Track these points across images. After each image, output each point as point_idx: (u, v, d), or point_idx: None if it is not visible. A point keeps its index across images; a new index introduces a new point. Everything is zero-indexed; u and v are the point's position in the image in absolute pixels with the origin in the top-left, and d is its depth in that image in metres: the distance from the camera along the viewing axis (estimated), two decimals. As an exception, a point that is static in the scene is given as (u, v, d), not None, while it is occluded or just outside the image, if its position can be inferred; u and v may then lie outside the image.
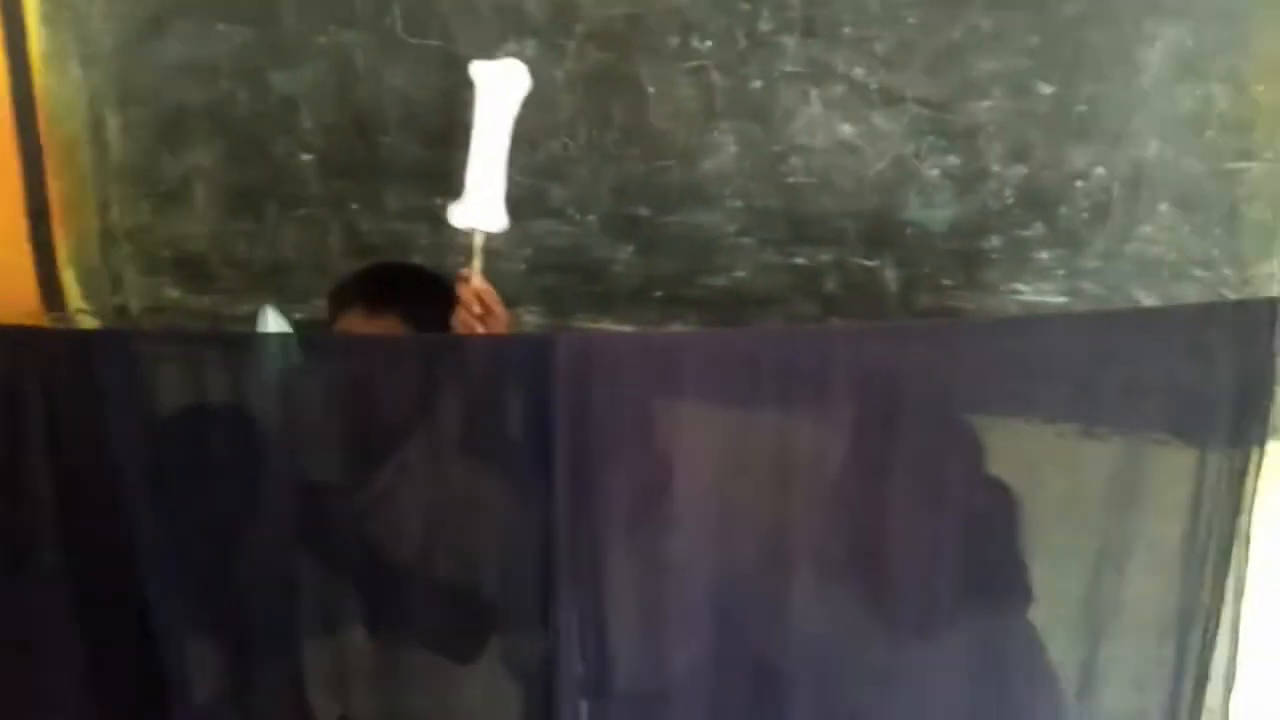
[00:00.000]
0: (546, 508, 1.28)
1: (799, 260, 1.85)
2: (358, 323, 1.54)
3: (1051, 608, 1.34)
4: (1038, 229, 1.74)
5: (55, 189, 2.19)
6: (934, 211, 1.78)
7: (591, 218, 1.93)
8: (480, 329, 1.45)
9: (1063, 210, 1.72)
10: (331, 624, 1.41)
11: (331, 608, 1.40)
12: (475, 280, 1.45)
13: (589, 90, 1.87)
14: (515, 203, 1.93)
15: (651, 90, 1.84)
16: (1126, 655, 1.32)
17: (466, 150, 1.95)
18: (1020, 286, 1.77)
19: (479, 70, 1.42)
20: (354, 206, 2.04)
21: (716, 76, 1.80)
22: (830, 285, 1.85)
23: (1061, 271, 1.75)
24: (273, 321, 1.32)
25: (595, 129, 1.89)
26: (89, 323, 2.22)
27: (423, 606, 1.37)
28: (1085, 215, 1.71)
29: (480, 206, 1.41)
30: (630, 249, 1.93)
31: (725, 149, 1.83)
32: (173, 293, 2.18)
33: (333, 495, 1.37)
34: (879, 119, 1.76)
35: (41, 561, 1.35)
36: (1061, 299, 1.76)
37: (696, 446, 1.30)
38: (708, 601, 1.35)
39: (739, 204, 1.85)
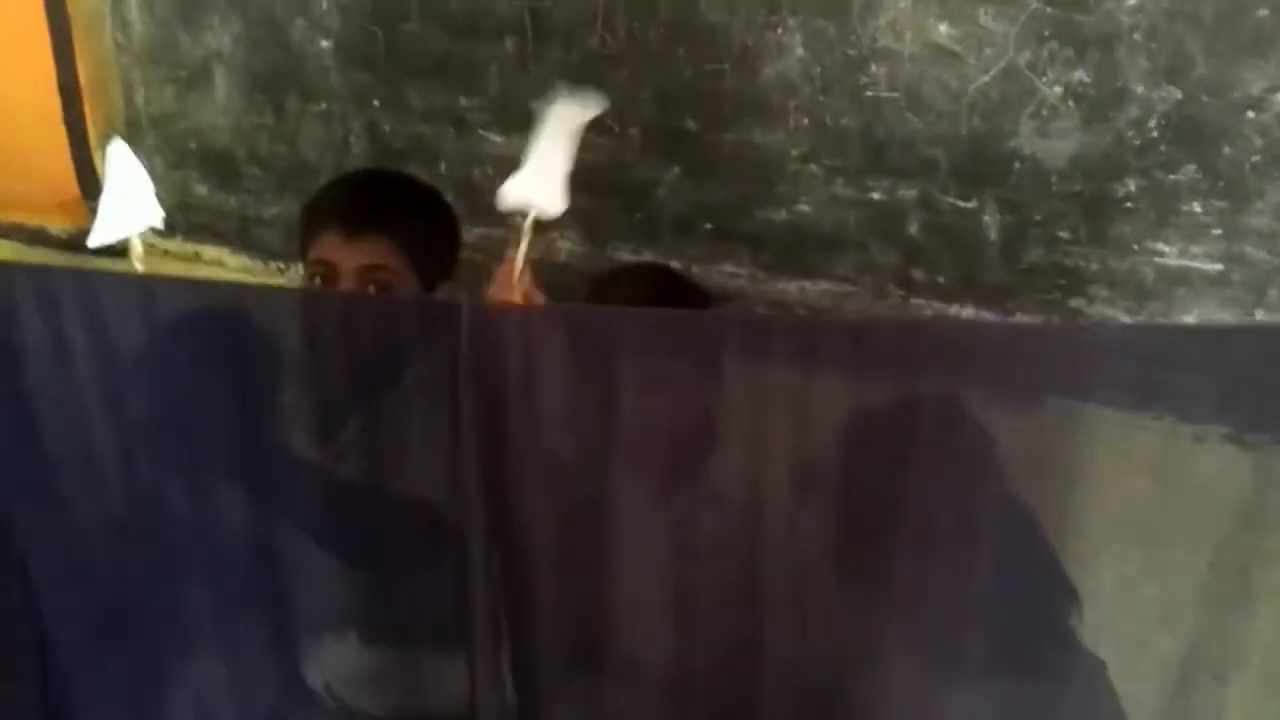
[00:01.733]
0: (460, 523, 1.02)
1: (876, 195, 1.49)
2: (337, 244, 1.29)
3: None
4: (1189, 172, 1.32)
5: (83, 68, 2.03)
6: (1052, 142, 1.38)
7: (632, 130, 1.62)
8: None
9: (1226, 150, 1.29)
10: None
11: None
12: (517, 273, 1.10)
13: (630, -29, 1.54)
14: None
15: (703, -27, 1.49)
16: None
17: (494, 42, 1.67)
18: (1162, 247, 1.36)
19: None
20: (375, 104, 1.79)
21: (783, -42, 1.44)
22: (914, 228, 1.48)
23: (1218, 230, 1.32)
24: (121, 159, 1.07)
25: (637, 22, 1.56)
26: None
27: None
28: (1256, 158, 1.28)
29: (537, 182, 1.06)
30: (676, 170, 1.61)
31: (791, 51, 1.48)
32: (200, 189, 1.99)
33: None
34: (986, 17, 1.36)
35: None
36: (1215, 266, 1.34)
37: (634, 445, 1.00)
38: (658, 636, 1.08)
39: (805, 121, 1.50)
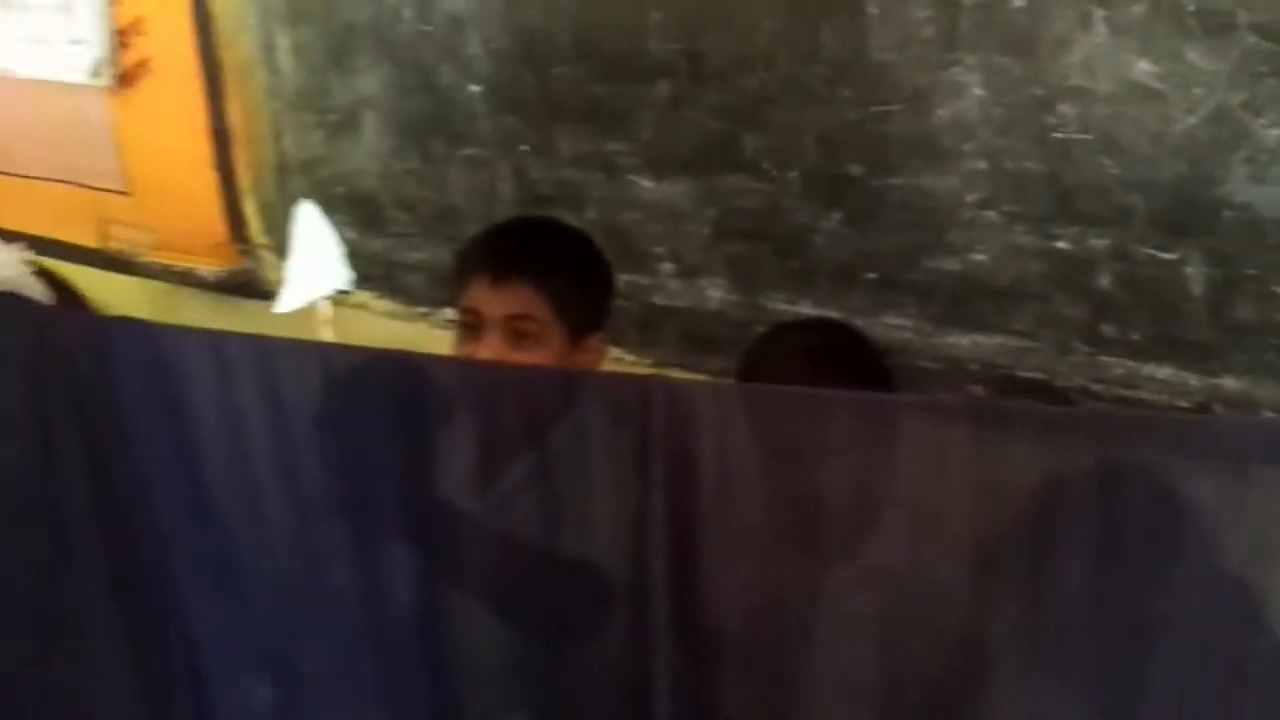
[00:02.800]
0: (642, 612, 0.96)
1: (1063, 244, 1.38)
2: (483, 292, 1.29)
3: None
4: None
5: (234, 113, 2.05)
6: (1270, 189, 1.25)
7: (792, 174, 1.54)
8: None
9: None
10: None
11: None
12: None
13: (793, 9, 1.45)
14: (700, 150, 1.58)
15: (873, 10, 1.40)
16: None
17: (647, 84, 1.62)
18: (1400, 305, 1.21)
19: None
20: (523, 148, 1.75)
21: (962, -9, 1.34)
22: (1105, 280, 1.36)
23: None
24: (310, 220, 1.04)
25: (799, 61, 1.47)
26: (269, 260, 2.08)
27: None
28: None
29: None
30: (838, 216, 1.52)
31: (969, 91, 1.38)
32: (347, 233, 1.98)
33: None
34: (1194, 53, 1.24)
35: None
36: None
37: (829, 526, 0.92)
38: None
39: (983, 165, 1.40)
